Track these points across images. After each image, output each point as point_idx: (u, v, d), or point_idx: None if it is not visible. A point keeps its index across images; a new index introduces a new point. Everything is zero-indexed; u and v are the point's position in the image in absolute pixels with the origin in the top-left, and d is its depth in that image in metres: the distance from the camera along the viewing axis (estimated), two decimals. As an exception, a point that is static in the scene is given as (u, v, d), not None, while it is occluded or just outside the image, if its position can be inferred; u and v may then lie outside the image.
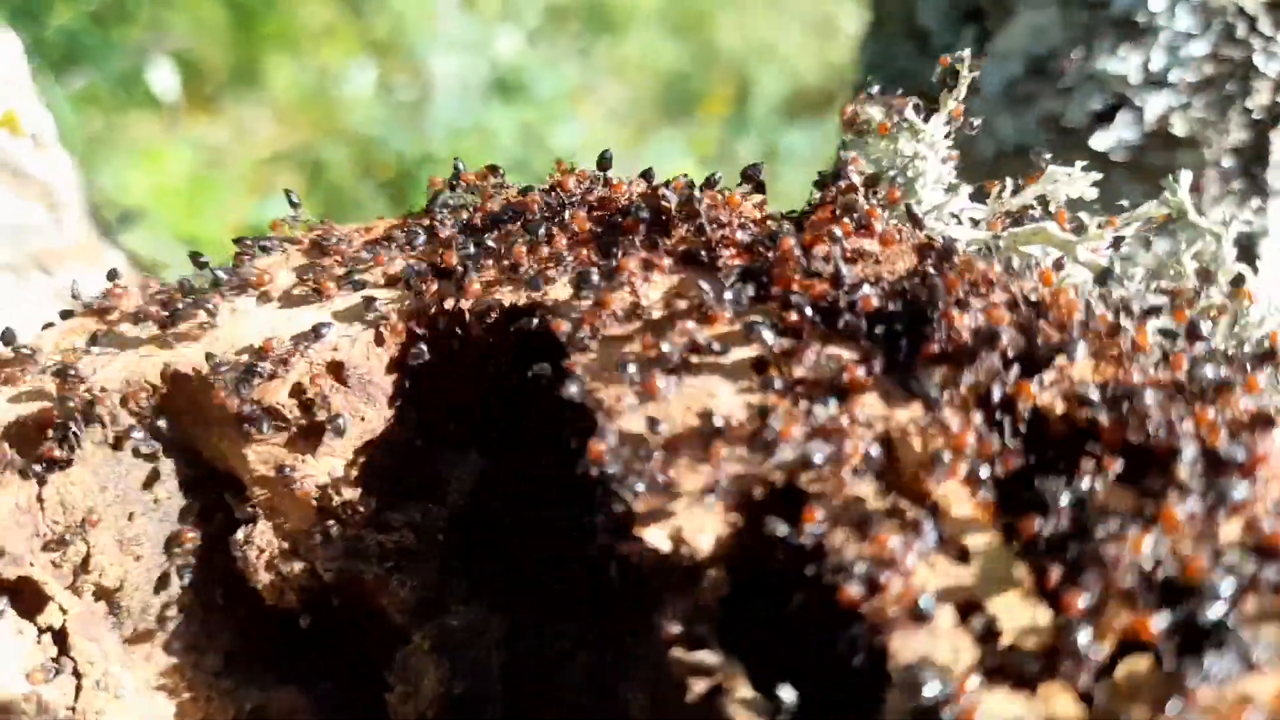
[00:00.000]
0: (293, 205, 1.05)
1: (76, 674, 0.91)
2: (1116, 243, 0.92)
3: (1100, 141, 1.66)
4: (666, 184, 0.95)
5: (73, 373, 0.91)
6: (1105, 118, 1.67)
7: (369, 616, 0.96)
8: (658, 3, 6.25)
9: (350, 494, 0.93)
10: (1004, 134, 1.77)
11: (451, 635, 0.95)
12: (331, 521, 0.93)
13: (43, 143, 1.98)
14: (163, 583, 0.96)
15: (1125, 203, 0.97)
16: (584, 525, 0.83)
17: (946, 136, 0.94)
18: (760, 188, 0.95)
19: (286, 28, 5.57)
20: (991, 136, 1.78)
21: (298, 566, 0.93)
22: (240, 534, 0.94)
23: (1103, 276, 0.86)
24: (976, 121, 0.99)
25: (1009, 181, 0.95)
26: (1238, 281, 0.87)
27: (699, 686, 0.68)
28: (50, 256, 1.90)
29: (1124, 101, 1.67)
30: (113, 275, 1.02)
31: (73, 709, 0.89)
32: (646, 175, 0.98)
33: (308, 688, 1.01)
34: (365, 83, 5.27)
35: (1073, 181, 0.96)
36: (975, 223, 0.87)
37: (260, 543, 0.93)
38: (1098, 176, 0.96)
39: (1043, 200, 0.97)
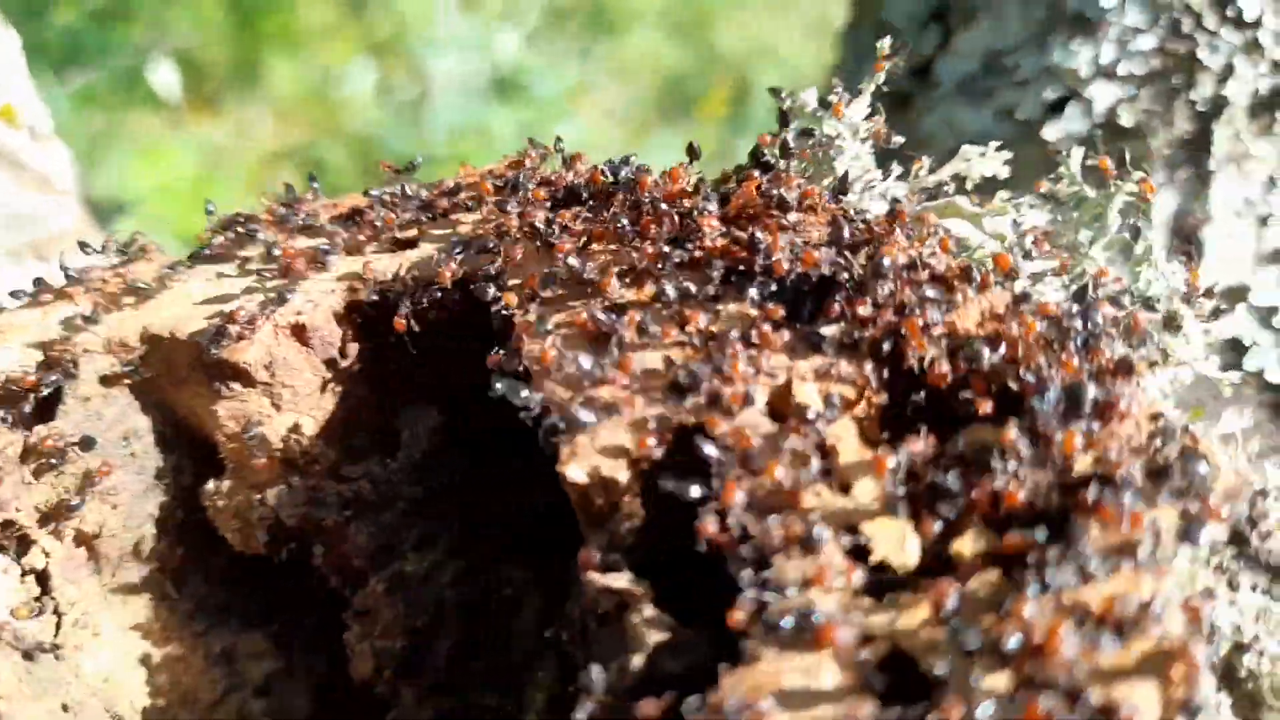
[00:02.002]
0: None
1: (58, 613, 0.99)
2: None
3: (1050, 132, 1.72)
4: (617, 164, 1.03)
5: (57, 335, 0.99)
6: (1057, 109, 1.74)
7: (330, 562, 1.04)
8: (658, 3, 6.30)
9: (312, 448, 1.01)
10: (963, 127, 1.84)
11: (407, 579, 1.03)
12: (294, 473, 1.00)
13: (40, 135, 2.06)
14: (139, 531, 1.04)
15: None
16: (532, 474, 0.91)
17: (867, 119, 1.01)
18: (766, 168, 1.01)
19: (287, 27, 5.64)
20: (951, 129, 1.85)
21: (262, 515, 1.01)
22: (210, 485, 1.02)
23: (1014, 247, 0.94)
24: (898, 139, 1.04)
25: (925, 160, 1.02)
26: (1124, 247, 0.94)
27: (606, 605, 0.75)
28: (46, 244, 1.98)
29: (1074, 94, 1.74)
30: (84, 246, 1.10)
31: (54, 644, 0.96)
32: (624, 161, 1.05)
33: (273, 631, 1.08)
34: (366, 83, 5.33)
35: (986, 160, 1.03)
36: (896, 200, 0.94)
37: (228, 493, 1.01)
38: (1009, 156, 1.03)
39: (958, 178, 1.04)
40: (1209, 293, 0.96)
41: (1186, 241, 1.69)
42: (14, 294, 1.08)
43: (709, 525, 0.72)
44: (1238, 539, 0.78)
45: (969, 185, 1.05)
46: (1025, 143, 1.85)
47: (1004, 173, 1.05)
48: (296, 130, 5.25)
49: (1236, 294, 1.66)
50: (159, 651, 1.03)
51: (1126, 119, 1.71)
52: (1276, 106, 1.68)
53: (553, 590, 1.03)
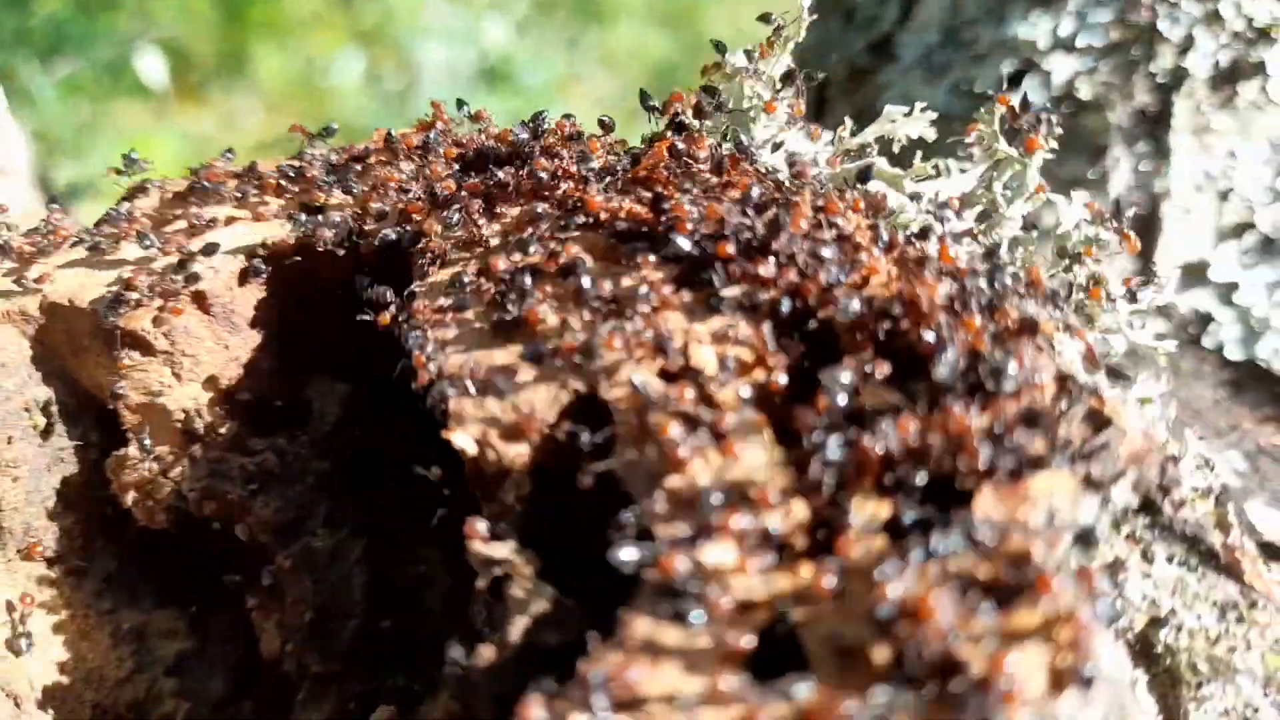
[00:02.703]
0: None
1: (-46, 589, 0.96)
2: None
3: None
4: (527, 122, 1.00)
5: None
6: (1014, 82, 1.70)
7: (236, 538, 1.01)
8: (646, -8, 6.26)
9: (214, 419, 0.98)
10: (920, 100, 1.80)
11: (314, 556, 1.00)
12: (196, 445, 0.98)
13: (-12, 116, 2.04)
14: (42, 506, 1.01)
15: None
16: (441, 450, 0.88)
17: (785, 79, 0.98)
18: (680, 128, 0.98)
19: (274, 16, 5.60)
20: (908, 103, 1.81)
21: (166, 489, 0.98)
22: (113, 459, 0.99)
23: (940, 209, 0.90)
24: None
25: (849, 121, 0.99)
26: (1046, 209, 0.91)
27: (487, 576, 0.72)
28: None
29: (1033, 66, 1.70)
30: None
31: (-52, 621, 0.94)
32: (535, 119, 1.02)
33: (183, 609, 1.05)
34: (353, 72, 5.30)
35: (911, 122, 1.00)
36: (794, 154, 0.91)
37: (130, 466, 0.98)
38: (934, 116, 1.00)
39: (883, 140, 1.01)
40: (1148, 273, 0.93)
41: (1146, 217, 1.66)
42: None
43: (589, 477, 0.69)
44: (1150, 507, 0.75)
45: (895, 149, 1.02)
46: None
47: (930, 135, 1.02)
48: (284, 119, 5.23)
49: (1196, 270, 1.63)
50: (63, 629, 1.00)
51: (1085, 92, 1.68)
52: (1238, 79, 1.65)
53: (463, 569, 1.00)
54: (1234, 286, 1.60)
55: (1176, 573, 0.77)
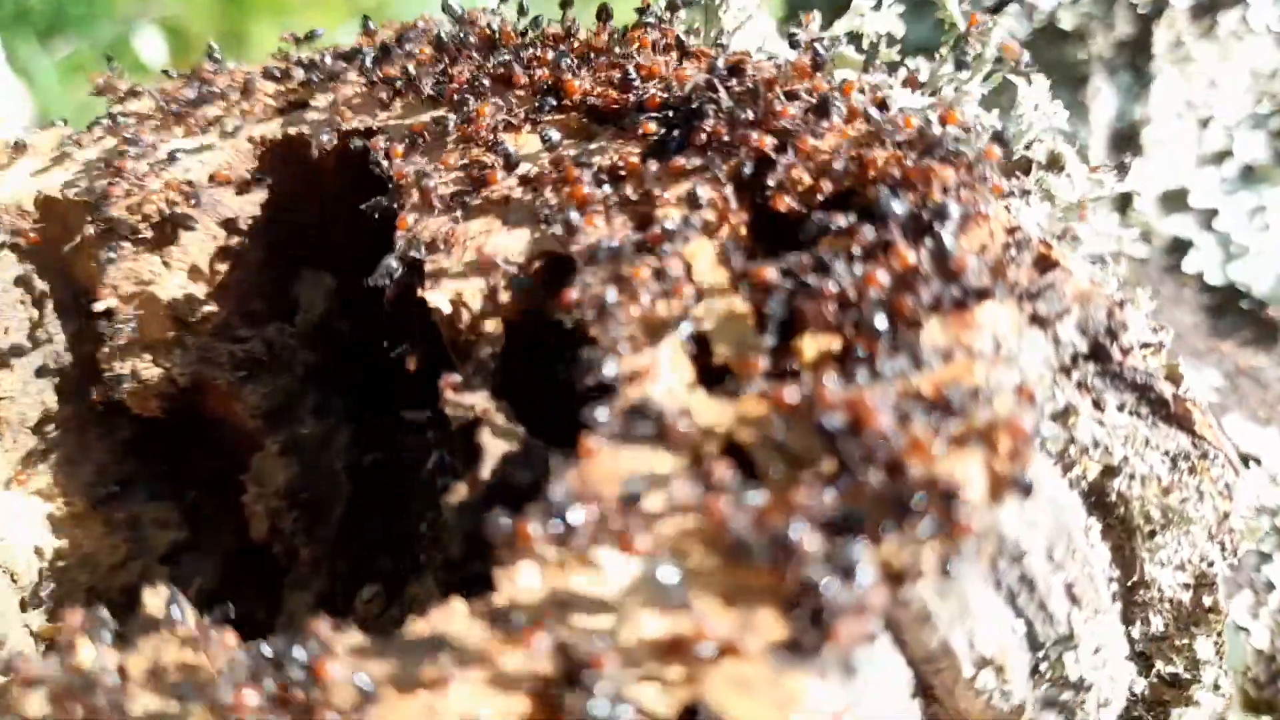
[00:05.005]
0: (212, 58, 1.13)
1: (-47, 472, 0.99)
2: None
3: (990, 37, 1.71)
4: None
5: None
6: (996, 12, 1.72)
7: (225, 426, 1.04)
8: (646, -29, 6.25)
9: (204, 308, 1.01)
10: (906, 37, 1.82)
11: (301, 442, 1.03)
12: (186, 332, 1.01)
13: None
14: (39, 397, 1.04)
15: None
16: (424, 340, 0.91)
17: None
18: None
19: (274, -4, 5.62)
20: (893, 39, 1.83)
21: (156, 374, 1.01)
22: (106, 347, 1.02)
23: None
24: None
25: (816, 15, 1.01)
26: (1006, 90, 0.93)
27: (459, 422, 0.75)
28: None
29: None
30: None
31: (-52, 500, 0.97)
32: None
33: (176, 500, 1.09)
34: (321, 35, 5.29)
35: (879, 17, 1.02)
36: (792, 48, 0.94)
37: (122, 354, 1.01)
38: (901, 9, 1.02)
39: (852, 35, 1.03)
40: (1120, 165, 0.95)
41: (1126, 145, 1.68)
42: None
43: (571, 293, 0.72)
44: (1100, 354, 0.77)
45: (865, 44, 1.04)
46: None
47: (899, 29, 1.05)
48: (284, 98, 5.26)
49: (1177, 196, 1.65)
50: (58, 515, 1.04)
51: (1067, 22, 1.70)
52: (1218, 8, 1.67)
53: (445, 455, 1.03)
54: (1214, 213, 1.63)
55: (1128, 421, 0.79)
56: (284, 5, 5.73)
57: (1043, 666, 0.76)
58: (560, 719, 0.58)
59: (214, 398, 1.02)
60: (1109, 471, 0.80)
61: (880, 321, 0.68)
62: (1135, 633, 0.85)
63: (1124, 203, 1.58)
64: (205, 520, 1.10)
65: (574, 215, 0.81)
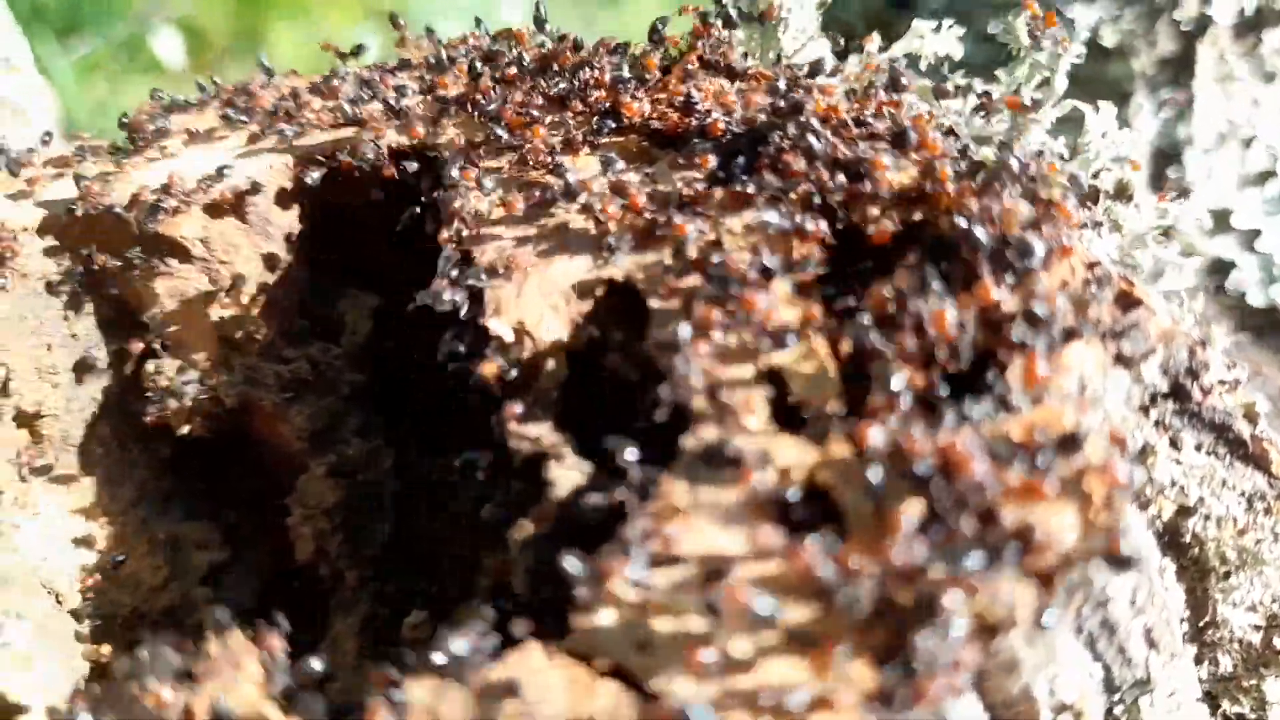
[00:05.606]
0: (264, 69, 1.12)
1: (-6, 491, 0.98)
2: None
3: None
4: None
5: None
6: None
7: (269, 446, 1.02)
8: (663, -27, 6.24)
9: (251, 327, 0.99)
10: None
11: (348, 463, 1.01)
12: (233, 352, 0.99)
13: (15, 66, 2.05)
14: (81, 414, 1.03)
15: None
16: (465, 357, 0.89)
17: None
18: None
19: (290, -5, 5.61)
20: (953, 62, 1.82)
21: (203, 395, 1.00)
22: (151, 365, 1.01)
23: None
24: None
25: (876, 36, 0.99)
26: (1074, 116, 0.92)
27: (525, 451, 0.74)
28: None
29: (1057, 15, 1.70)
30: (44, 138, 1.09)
31: (-10, 521, 0.96)
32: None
33: (216, 520, 1.07)
34: (369, 50, 5.29)
35: (939, 38, 1.01)
36: (820, 60, 0.92)
37: (168, 373, 1.00)
38: (961, 32, 1.01)
39: (911, 57, 1.02)
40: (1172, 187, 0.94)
41: (1169, 164, 1.66)
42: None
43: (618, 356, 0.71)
44: (1179, 393, 0.76)
45: (922, 65, 1.02)
46: (1005, 64, 1.83)
47: (958, 51, 1.03)
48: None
49: (1219, 217, 1.63)
50: (101, 536, 1.02)
51: (1109, 39, 1.68)
52: (1262, 26, 1.65)
53: (493, 477, 1.01)
54: (1256, 233, 1.61)
55: (1205, 461, 0.77)
56: (301, 5, 5.72)
57: (1117, 710, 0.74)
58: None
59: (260, 418, 1.01)
60: (1184, 512, 0.78)
61: (965, 361, 0.66)
62: (1203, 673, 0.83)
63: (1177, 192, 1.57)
64: (243, 541, 1.09)
65: (636, 243, 0.80)
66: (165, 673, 0.65)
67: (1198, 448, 0.77)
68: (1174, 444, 0.77)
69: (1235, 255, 1.60)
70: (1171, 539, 0.78)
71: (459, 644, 0.61)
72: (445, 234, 0.82)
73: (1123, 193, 0.90)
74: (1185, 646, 0.79)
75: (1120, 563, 0.60)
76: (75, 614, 0.97)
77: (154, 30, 4.95)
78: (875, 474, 0.62)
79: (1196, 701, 0.81)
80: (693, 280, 0.77)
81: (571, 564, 0.63)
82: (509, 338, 0.79)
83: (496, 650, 0.62)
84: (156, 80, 4.99)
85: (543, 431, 0.75)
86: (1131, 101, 1.67)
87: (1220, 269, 1.60)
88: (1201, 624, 0.80)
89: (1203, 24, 1.66)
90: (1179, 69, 1.67)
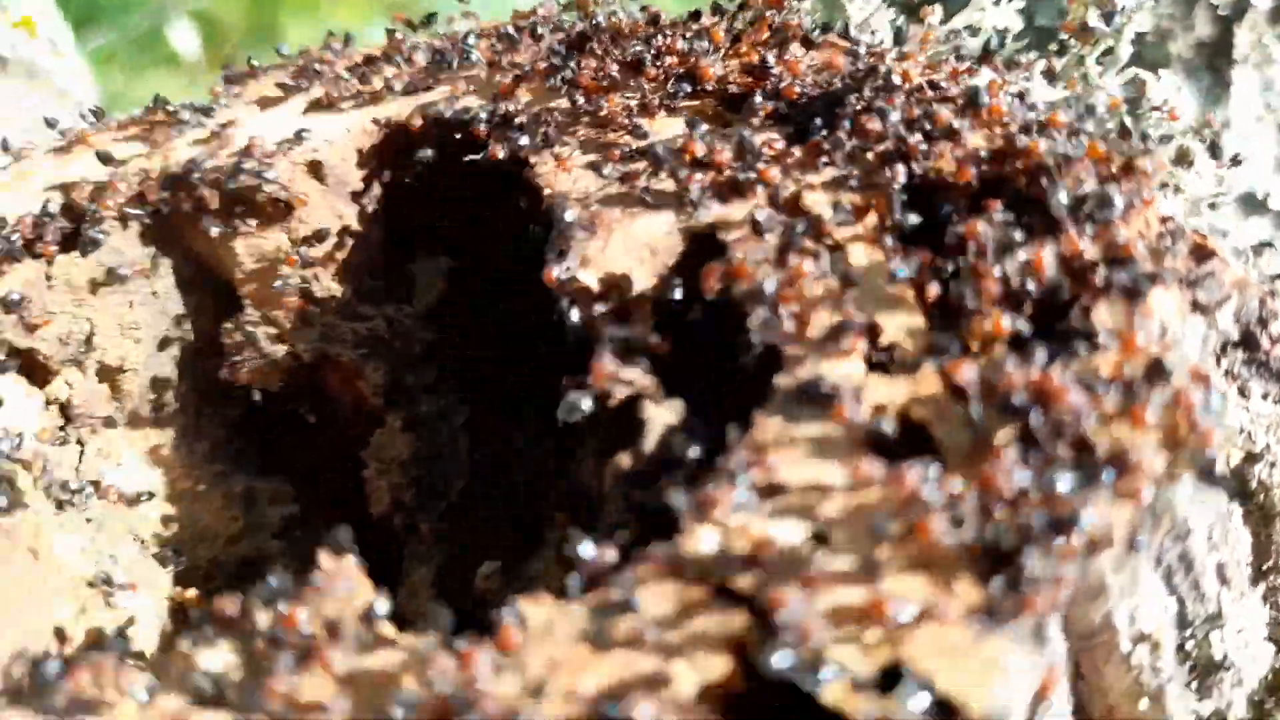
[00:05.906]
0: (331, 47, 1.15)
1: (80, 442, 1.01)
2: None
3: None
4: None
5: (78, 178, 1.01)
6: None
7: (343, 403, 1.05)
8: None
9: (328, 285, 1.02)
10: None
11: (421, 418, 1.04)
12: (311, 309, 1.02)
13: (59, 50, 2.08)
14: (160, 370, 1.05)
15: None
16: (541, 320, 0.92)
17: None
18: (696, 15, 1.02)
19: (306, -12, 5.63)
20: (975, 36, 1.84)
21: (280, 351, 1.02)
22: (229, 323, 1.03)
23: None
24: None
25: (937, 8, 1.02)
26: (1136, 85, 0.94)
27: (620, 393, 0.76)
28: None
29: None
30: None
31: (76, 469, 0.98)
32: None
33: (289, 476, 1.10)
34: (382, 43, 5.32)
35: (999, 10, 1.03)
36: (900, 29, 0.95)
37: (247, 329, 1.03)
38: (1021, 4, 1.04)
39: (970, 29, 1.05)
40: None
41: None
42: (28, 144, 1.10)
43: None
44: (1249, 343, 0.78)
45: (981, 37, 1.05)
46: (1042, 47, 1.85)
47: (1016, 24, 1.06)
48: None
49: (1257, 199, 1.65)
50: (178, 488, 1.05)
51: (1146, 23, 1.70)
52: (1299, 10, 1.67)
53: (561, 433, 1.04)
54: (1292, 214, 1.63)
55: (1272, 409, 0.80)
56: (311, 1, 5.73)
57: (1189, 645, 0.77)
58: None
59: (336, 375, 1.03)
60: (1251, 458, 0.81)
61: (1056, 302, 0.69)
62: (1266, 617, 0.86)
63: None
64: (315, 496, 1.11)
65: (719, 198, 0.82)
66: (288, 597, 0.68)
67: (1264, 396, 0.80)
68: (1242, 392, 0.79)
69: (1274, 238, 1.62)
70: (1239, 484, 0.81)
71: (587, 548, 0.64)
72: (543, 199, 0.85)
73: (1183, 159, 0.93)
74: (1253, 588, 0.81)
75: (1211, 480, 0.63)
76: (159, 559, 1.00)
77: (170, 22, 4.97)
78: (975, 408, 0.64)
79: (1264, 641, 0.83)
80: (777, 232, 0.80)
81: (675, 495, 0.66)
82: (596, 288, 0.82)
83: (616, 565, 0.64)
84: (173, 72, 5.02)
85: (635, 375, 0.77)
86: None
87: (1257, 251, 1.63)
88: (1265, 568, 0.83)
89: (1241, 7, 1.68)
90: (1215, 52, 1.70)
